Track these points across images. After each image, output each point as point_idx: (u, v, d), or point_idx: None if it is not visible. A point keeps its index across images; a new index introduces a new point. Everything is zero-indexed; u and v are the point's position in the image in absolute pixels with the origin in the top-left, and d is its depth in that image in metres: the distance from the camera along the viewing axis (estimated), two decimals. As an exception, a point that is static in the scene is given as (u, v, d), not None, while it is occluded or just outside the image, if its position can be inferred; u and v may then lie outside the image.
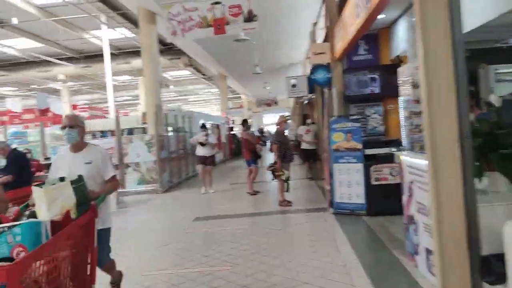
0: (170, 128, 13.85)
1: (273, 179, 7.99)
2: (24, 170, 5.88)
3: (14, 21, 14.00)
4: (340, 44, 6.60)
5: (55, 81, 25.63)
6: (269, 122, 54.48)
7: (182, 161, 13.65)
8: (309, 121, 11.51)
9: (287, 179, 7.88)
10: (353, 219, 6.43)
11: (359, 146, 6.60)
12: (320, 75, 7.31)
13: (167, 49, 23.75)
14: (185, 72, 32.82)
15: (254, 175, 9.65)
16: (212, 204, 8.95)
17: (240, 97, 43.10)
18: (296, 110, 35.47)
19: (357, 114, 6.68)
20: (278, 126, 8.25)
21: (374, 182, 6.48)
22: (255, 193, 9.54)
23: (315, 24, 11.96)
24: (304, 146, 11.39)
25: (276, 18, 14.50)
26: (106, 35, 17.09)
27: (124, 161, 11.25)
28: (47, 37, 20.19)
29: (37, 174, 8.56)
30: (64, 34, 19.65)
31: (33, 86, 25.09)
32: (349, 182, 6.68)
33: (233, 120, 28.78)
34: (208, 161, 10.44)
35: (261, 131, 34.14)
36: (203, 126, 10.95)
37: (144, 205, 9.58)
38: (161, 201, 10.01)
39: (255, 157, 9.70)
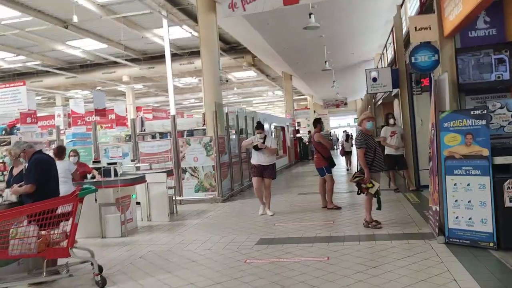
0: (231, 130, 12.57)
1: (358, 193, 6.29)
2: (48, 177, 4.73)
3: (75, 19, 13.48)
4: (457, 12, 4.80)
5: (120, 82, 25.59)
6: (335, 125, 52.25)
7: (244, 166, 12.28)
8: (392, 121, 9.61)
9: (378, 194, 6.16)
10: (477, 253, 4.60)
11: (485, 152, 4.74)
12: (423, 57, 5.52)
13: (230, 48, 22.72)
14: (249, 73, 31.84)
15: (331, 186, 8.00)
16: (280, 219, 7.42)
17: (305, 99, 41.44)
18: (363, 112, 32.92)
19: (475, 109, 4.82)
20: (360, 126, 6.54)
21: (508, 204, 4.60)
22: (337, 207, 7.89)
23: (401, 5, 10.07)
24: (388, 151, 9.52)
25: (348, 7, 12.76)
26: (166, 32, 16.18)
27: (181, 165, 10.10)
28: (110, 37, 19.90)
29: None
30: (126, 33, 19.22)
31: (98, 88, 25.18)
32: (470, 202, 4.84)
33: (298, 122, 27.18)
34: (266, 172, 7.88)
35: (328, 134, 32.25)
36: (259, 126, 8.17)
37: (200, 217, 8.27)
38: (220, 213, 8.67)
39: (331, 164, 8.04)
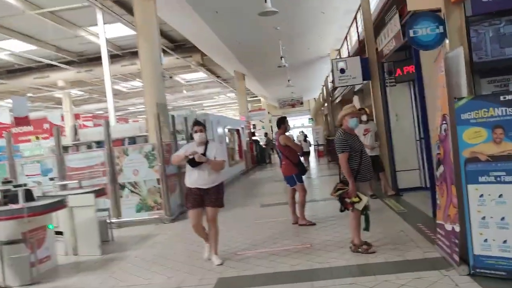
0: (180, 135, 10.91)
1: (342, 210, 4.88)
2: None
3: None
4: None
5: (54, 88, 23.06)
6: (291, 126, 51.35)
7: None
8: (365, 117, 8.32)
9: (366, 210, 4.79)
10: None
11: (522, 151, 3.47)
12: (424, 30, 4.20)
13: (177, 46, 20.97)
14: (199, 75, 30.13)
15: (303, 198, 6.57)
16: (243, 244, 5.90)
17: (258, 100, 40.19)
18: (319, 111, 32.10)
19: (507, 93, 3.55)
20: (341, 124, 5.13)
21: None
22: (310, 223, 6.47)
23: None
24: (362, 152, 8.25)
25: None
26: (102, 28, 14.21)
27: (117, 180, 8.33)
28: (39, 37, 17.57)
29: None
30: (57, 32, 16.99)
31: (29, 95, 22.54)
32: (504, 220, 3.56)
33: (253, 124, 25.80)
34: (209, 198, 5.05)
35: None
36: (198, 123, 5.19)
37: (141, 246, 6.58)
38: (167, 238, 7.02)
39: (302, 171, 6.61)
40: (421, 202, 7.37)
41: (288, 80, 22.69)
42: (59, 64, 20.08)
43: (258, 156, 22.55)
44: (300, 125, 43.44)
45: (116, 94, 32.33)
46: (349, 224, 5.00)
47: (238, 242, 5.97)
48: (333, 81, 9.31)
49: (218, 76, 30.96)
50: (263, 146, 23.40)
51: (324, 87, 24.27)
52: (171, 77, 9.58)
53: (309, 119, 45.73)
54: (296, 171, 6.53)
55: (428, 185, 8.54)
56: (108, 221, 7.15)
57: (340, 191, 4.83)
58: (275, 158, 24.18)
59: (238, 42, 14.64)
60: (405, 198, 7.91)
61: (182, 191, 9.06)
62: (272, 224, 6.92)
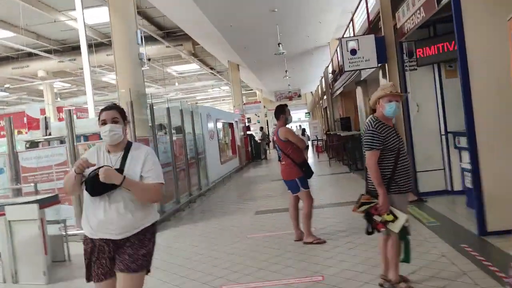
0: (162, 130, 9.52)
1: (370, 232, 3.47)
2: None
3: None
4: None
5: (35, 78, 21.49)
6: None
7: (181, 179, 9.24)
8: None
9: (405, 234, 3.40)
10: None
11: None
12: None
13: (167, 34, 19.48)
14: (191, 66, 28.70)
15: (309, 209, 5.15)
16: (233, 270, 4.48)
17: (254, 94, 38.74)
18: (317, 105, 30.29)
19: None
20: (375, 110, 3.66)
21: None
22: (318, 241, 5.06)
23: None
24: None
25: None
26: (80, 10, 12.66)
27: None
28: (12, 22, 16.03)
29: None
30: (32, 16, 15.52)
31: (6, 86, 20.96)
32: None
33: (248, 118, 24.35)
34: (124, 257, 2.54)
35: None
36: (110, 108, 2.72)
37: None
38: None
39: (307, 173, 5.18)
40: (450, 211, 6.01)
41: (286, 71, 21.28)
42: (39, 53, 18.54)
43: (253, 152, 21.13)
44: (297, 119, 42.07)
45: (104, 86, 30.95)
46: (380, 251, 3.60)
47: (223, 270, 4.53)
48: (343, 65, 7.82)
49: (211, 68, 29.50)
50: (258, 141, 21.98)
51: (323, 79, 22.83)
52: (149, 60, 8.20)
53: (306, 113, 44.38)
54: (300, 173, 5.11)
55: (454, 188, 7.29)
56: (63, 237, 5.72)
57: (365, 206, 3.43)
58: (272, 153, 22.78)
59: (231, 25, 13.16)
60: (430, 204, 6.52)
61: (164, 195, 7.63)
62: (269, 241, 5.49)
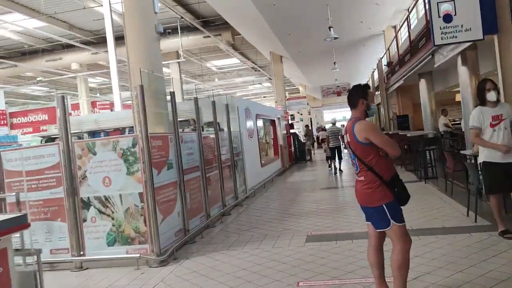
0: (190, 125, 7.82)
1: None
2: None
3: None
4: None
5: (68, 71, 20.51)
6: (330, 119, 47.46)
7: (213, 186, 7.47)
8: (493, 95, 4.64)
9: None
10: None
11: None
12: None
13: (204, 23, 17.86)
14: (232, 61, 27.11)
15: (405, 255, 3.10)
16: None
17: (296, 90, 36.68)
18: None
19: None
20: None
21: None
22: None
23: None
24: (488, 156, 4.75)
25: None
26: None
27: (78, 193, 5.23)
28: (45, 11, 14.97)
29: None
30: (62, 3, 14.43)
31: (39, 79, 20.09)
32: None
33: (292, 115, 22.37)
34: None
35: (322, 128, 27.46)
36: None
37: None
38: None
39: (401, 196, 3.19)
40: None
41: (334, 63, 19.12)
42: (73, 43, 17.51)
43: (296, 153, 19.15)
44: (342, 118, 39.59)
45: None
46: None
47: None
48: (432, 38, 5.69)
49: (252, 62, 27.76)
50: (303, 141, 19.96)
51: (377, 72, 20.49)
52: (169, 33, 6.64)
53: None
54: (389, 197, 3.14)
55: None
56: (37, 276, 4.04)
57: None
58: (317, 155, 20.68)
59: (274, 4, 11.24)
60: None
61: (186, 208, 5.87)
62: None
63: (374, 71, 22.21)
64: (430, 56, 9.52)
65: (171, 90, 6.08)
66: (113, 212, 5.15)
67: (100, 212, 5.18)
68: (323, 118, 44.96)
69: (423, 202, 7.01)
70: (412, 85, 16.55)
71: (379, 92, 19.72)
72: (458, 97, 17.42)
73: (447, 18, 5.36)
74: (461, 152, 8.06)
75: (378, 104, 20.43)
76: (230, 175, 8.57)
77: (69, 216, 5.16)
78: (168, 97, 5.87)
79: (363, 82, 28.62)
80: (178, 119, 9.78)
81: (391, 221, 3.13)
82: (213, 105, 7.69)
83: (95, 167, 5.18)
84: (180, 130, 7.42)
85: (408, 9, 16.12)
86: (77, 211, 5.18)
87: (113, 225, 5.15)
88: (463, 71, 9.04)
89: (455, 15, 5.35)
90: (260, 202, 9.02)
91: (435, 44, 5.71)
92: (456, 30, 5.38)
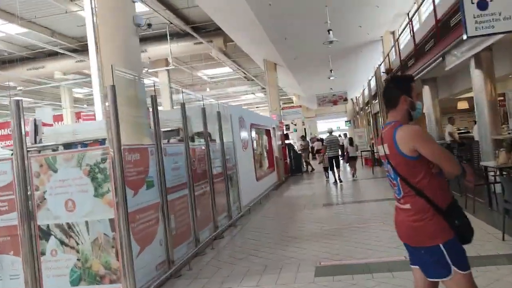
0: (175, 136, 6.91)
1: None
2: None
3: None
4: None
5: (50, 80, 19.47)
6: (323, 129, 46.79)
7: (204, 207, 6.53)
8: None
9: None
10: None
11: None
12: None
13: (194, 29, 17.02)
14: (224, 70, 26.33)
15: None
16: None
17: (289, 100, 35.93)
18: (360, 111, 25.85)
19: None
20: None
21: None
22: None
23: None
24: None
25: None
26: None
27: (35, 220, 4.24)
28: (26, 17, 14.13)
29: None
30: (41, 5, 13.56)
31: (19, 89, 19.04)
32: None
33: (287, 125, 21.51)
34: None
35: (317, 139, 26.60)
36: None
37: None
38: None
39: (463, 231, 2.30)
40: None
41: (330, 71, 18.35)
42: (57, 50, 16.63)
43: (292, 164, 18.23)
44: (336, 128, 38.84)
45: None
46: None
47: None
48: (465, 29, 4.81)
49: (245, 72, 26.98)
50: (298, 152, 19.06)
51: (375, 79, 19.74)
52: (150, 26, 5.79)
53: (346, 121, 41.07)
54: (449, 233, 2.22)
55: None
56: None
57: None
58: (314, 166, 19.74)
59: (270, 4, 10.40)
60: None
61: (169, 235, 4.89)
62: None
63: (371, 79, 21.48)
64: (440, 59, 8.71)
65: (154, 95, 5.11)
66: (78, 244, 4.17)
67: (62, 243, 4.19)
68: (316, 128, 44.26)
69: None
70: (420, 90, 15.79)
71: (377, 100, 18.94)
72: (460, 105, 16.70)
73: (482, 4, 4.52)
74: (482, 163, 7.19)
75: (376, 113, 19.66)
76: (222, 192, 7.61)
77: (23, 248, 4.16)
78: (149, 100, 4.91)
79: (356, 93, 27.99)
80: (165, 129, 8.83)
81: (452, 267, 2.20)
82: (203, 112, 6.75)
83: (56, 188, 4.20)
84: (165, 141, 6.48)
85: (408, 13, 15.44)
86: (34, 242, 4.18)
87: (78, 260, 4.16)
88: (477, 74, 8.24)
89: (491, 0, 4.53)
90: (256, 222, 8.06)
91: (468, 35, 4.84)
92: (493, 19, 4.54)
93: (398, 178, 2.35)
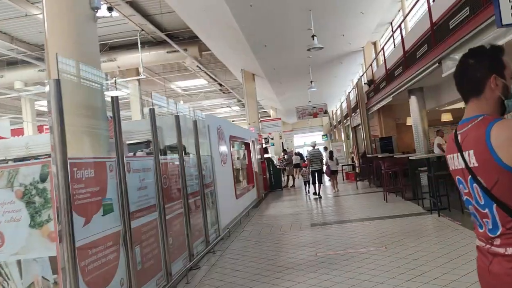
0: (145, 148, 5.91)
1: None
2: None
3: None
4: None
5: (10, 90, 18.04)
6: (301, 143, 46.26)
7: (177, 232, 5.52)
8: None
9: None
10: None
11: None
12: None
13: (168, 37, 16.10)
14: (199, 82, 25.47)
15: None
16: None
17: (267, 114, 35.23)
18: (339, 125, 24.82)
19: None
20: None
21: None
22: None
23: None
24: None
25: None
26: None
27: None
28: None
29: None
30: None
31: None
32: None
33: (266, 138, 20.65)
34: None
35: (297, 153, 25.88)
36: None
37: None
38: None
39: None
40: None
41: (311, 82, 17.69)
42: (16, 57, 15.41)
43: (272, 180, 17.32)
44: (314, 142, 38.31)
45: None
46: None
47: None
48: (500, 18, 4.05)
49: (220, 84, 26.14)
50: (278, 166, 18.19)
51: (354, 91, 19.20)
52: (111, 10, 4.87)
53: (323, 135, 40.62)
54: None
55: None
56: None
57: None
58: (297, 182, 18.89)
59: (251, 5, 9.58)
60: None
61: (133, 277, 3.85)
62: None
63: (350, 91, 20.97)
64: (437, 65, 8.04)
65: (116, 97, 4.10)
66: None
67: (-16, 291, 3.11)
68: (293, 142, 43.69)
69: (461, 249, 5.27)
70: (395, 104, 15.25)
71: (357, 113, 18.36)
72: (444, 117, 16.25)
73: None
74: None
75: (358, 126, 19.05)
76: (199, 213, 6.59)
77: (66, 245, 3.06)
78: (109, 100, 3.90)
79: (335, 104, 27.52)
80: (132, 142, 7.74)
81: None
82: (177, 120, 5.76)
83: (-24, 216, 3.13)
84: (131, 154, 5.46)
85: (391, 22, 14.99)
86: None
87: (5, 313, 3.08)
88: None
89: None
90: (237, 247, 7.05)
91: (503, 24, 4.09)
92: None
93: (494, 205, 1.45)
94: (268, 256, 6.15)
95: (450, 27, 7.24)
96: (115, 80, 16.79)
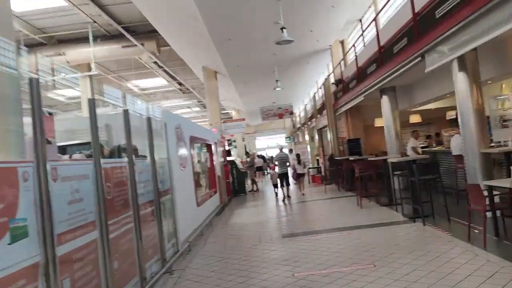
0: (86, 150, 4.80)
1: None
2: None
3: None
4: None
5: None
6: (263, 146, 45.60)
7: (125, 253, 4.43)
8: None
9: None
10: None
11: None
12: None
13: (125, 29, 14.84)
14: (157, 82, 24.24)
15: None
16: None
17: (228, 116, 34.22)
18: (303, 126, 24.11)
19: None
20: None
21: None
22: None
23: None
24: None
25: None
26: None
27: None
28: None
29: None
30: None
31: None
32: None
33: (229, 140, 19.64)
34: None
35: (261, 156, 25.08)
36: None
37: None
38: None
39: None
40: None
41: (276, 81, 16.91)
42: None
43: (235, 184, 16.36)
44: (275, 144, 37.74)
45: (54, 104, 25.58)
46: None
47: None
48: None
49: (180, 84, 24.95)
50: (242, 170, 17.25)
51: (320, 91, 18.59)
52: None
53: (286, 137, 40.11)
54: None
55: None
56: None
57: None
58: (260, 185, 18.00)
59: (223, 13, 8.60)
60: None
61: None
62: None
63: (317, 92, 20.38)
64: (420, 59, 7.38)
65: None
66: None
67: None
68: (255, 145, 43.00)
69: (464, 268, 4.51)
70: (363, 105, 14.73)
71: (324, 114, 17.74)
72: (412, 119, 15.89)
73: None
74: (485, 182, 5.80)
75: (324, 127, 18.44)
76: (153, 226, 5.53)
77: None
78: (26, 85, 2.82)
79: (298, 106, 27.02)
80: (79, 142, 6.63)
81: None
82: (126, 116, 4.68)
83: None
84: (67, 157, 4.36)
85: (361, 19, 14.44)
86: None
87: None
88: (461, 77, 6.99)
89: None
90: (199, 265, 6.04)
91: None
92: None
93: None
94: (237, 278, 5.17)
95: (437, 17, 6.58)
96: (64, 76, 15.30)
